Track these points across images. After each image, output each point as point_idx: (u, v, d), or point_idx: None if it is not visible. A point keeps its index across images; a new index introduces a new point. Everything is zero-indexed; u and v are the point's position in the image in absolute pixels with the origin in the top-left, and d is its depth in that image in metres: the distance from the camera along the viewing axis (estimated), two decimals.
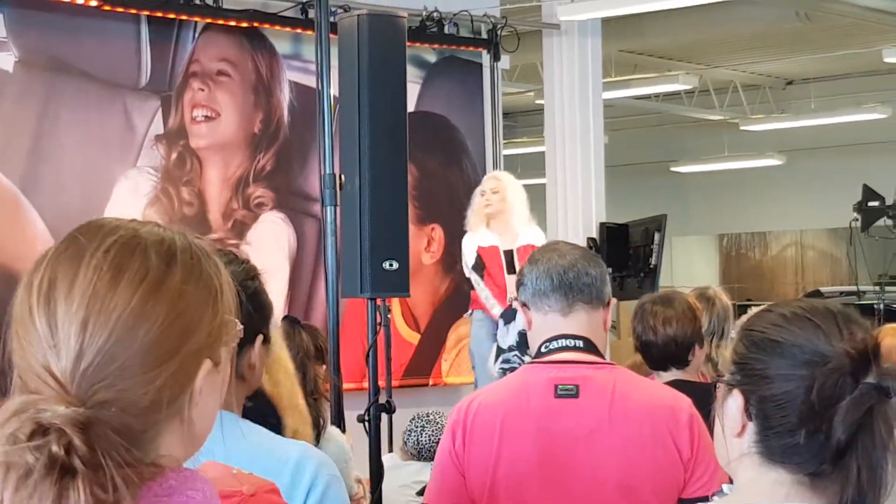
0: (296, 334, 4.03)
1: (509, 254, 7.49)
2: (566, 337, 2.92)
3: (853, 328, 1.74)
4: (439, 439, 5.76)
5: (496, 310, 7.37)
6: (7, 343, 1.35)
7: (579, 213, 9.67)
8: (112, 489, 1.25)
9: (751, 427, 1.76)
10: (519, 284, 3.03)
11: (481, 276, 7.48)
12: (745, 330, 1.82)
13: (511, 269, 7.41)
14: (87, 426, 1.26)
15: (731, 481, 1.84)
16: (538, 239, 7.48)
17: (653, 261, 9.56)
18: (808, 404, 1.69)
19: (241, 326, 1.46)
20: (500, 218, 7.55)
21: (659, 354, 4.03)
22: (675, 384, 3.75)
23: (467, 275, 7.62)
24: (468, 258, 7.60)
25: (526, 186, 14.34)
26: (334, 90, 5.53)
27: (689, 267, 19.07)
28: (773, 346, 1.75)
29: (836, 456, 1.67)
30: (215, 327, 1.38)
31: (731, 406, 1.78)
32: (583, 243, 8.76)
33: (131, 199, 7.72)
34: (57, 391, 1.28)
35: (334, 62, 5.52)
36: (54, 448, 1.23)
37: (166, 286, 1.33)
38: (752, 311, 1.90)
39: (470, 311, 7.74)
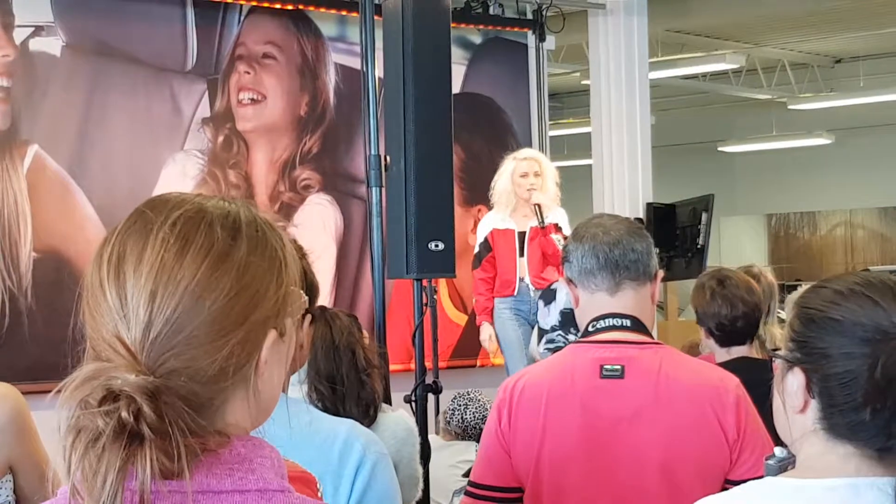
0: (334, 318, 4.04)
1: (522, 235, 7.42)
2: (613, 316, 2.90)
3: None
4: (484, 416, 5.80)
5: (479, 318, 7.47)
6: (78, 314, 1.39)
7: (626, 194, 9.63)
8: (177, 457, 1.28)
9: (813, 404, 1.75)
10: (564, 261, 3.01)
11: (478, 267, 7.43)
12: (800, 307, 1.80)
13: (522, 252, 7.41)
14: (156, 394, 1.29)
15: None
16: (562, 220, 7.44)
17: (700, 241, 9.51)
18: (873, 382, 1.68)
19: (306, 297, 1.49)
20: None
21: (735, 330, 4.04)
22: (742, 361, 3.76)
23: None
24: (478, 242, 7.53)
25: (573, 167, 14.33)
26: (379, 72, 5.53)
27: (737, 247, 18.97)
28: (832, 324, 1.74)
29: None
30: (280, 298, 1.40)
31: (792, 383, 1.77)
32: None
33: (178, 182, 7.76)
34: (127, 360, 1.31)
35: (379, 44, 5.52)
36: (124, 414, 1.26)
37: (232, 257, 1.36)
38: (804, 287, 1.88)
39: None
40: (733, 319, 4.04)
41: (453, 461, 5.72)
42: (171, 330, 1.32)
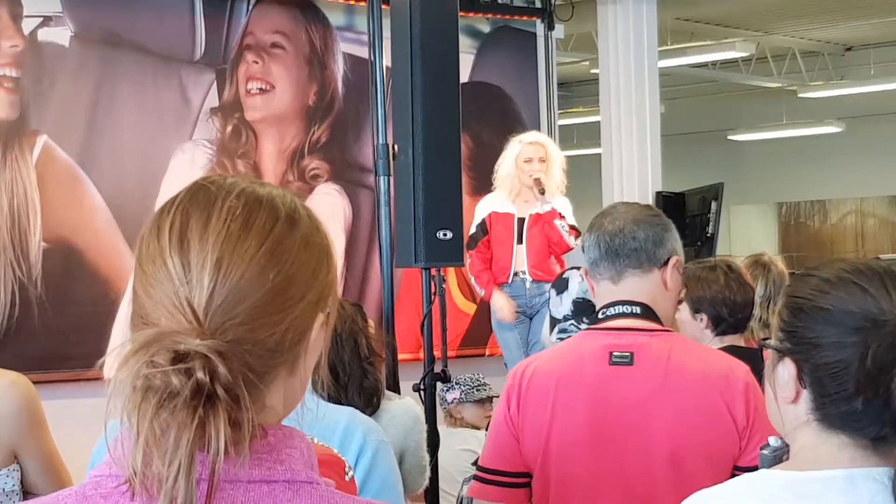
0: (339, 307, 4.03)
1: (521, 222, 7.31)
2: (622, 303, 2.90)
3: None
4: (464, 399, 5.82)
5: (477, 288, 7.36)
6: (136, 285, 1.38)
7: (635, 183, 9.61)
8: (246, 425, 1.28)
9: (805, 394, 1.74)
10: (583, 251, 3.03)
11: (473, 249, 7.27)
12: (789, 296, 1.79)
13: (521, 239, 7.30)
14: (227, 357, 1.29)
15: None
16: (565, 209, 7.39)
17: (710, 230, 9.51)
18: (864, 371, 1.67)
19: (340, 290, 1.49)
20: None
21: (745, 317, 4.02)
22: (730, 350, 3.74)
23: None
24: (474, 223, 7.36)
25: (582, 156, 14.30)
26: (387, 61, 5.52)
27: (747, 236, 18.94)
28: (821, 313, 1.72)
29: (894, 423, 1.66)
30: (328, 283, 1.42)
31: (783, 373, 1.76)
32: None
33: (187, 171, 7.76)
34: (192, 324, 1.30)
35: (387, 33, 5.51)
36: (200, 374, 1.25)
37: (293, 235, 1.38)
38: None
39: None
40: (745, 306, 4.02)
41: (457, 448, 5.72)
42: (236, 298, 1.32)
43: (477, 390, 5.98)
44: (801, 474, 1.71)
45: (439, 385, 5.71)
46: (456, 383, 5.99)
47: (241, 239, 1.34)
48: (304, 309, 1.37)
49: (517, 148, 7.37)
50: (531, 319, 7.38)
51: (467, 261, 7.19)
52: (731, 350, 3.71)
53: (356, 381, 3.89)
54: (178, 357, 1.26)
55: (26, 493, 2.81)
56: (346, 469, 1.76)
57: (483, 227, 7.30)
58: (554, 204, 7.28)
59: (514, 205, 7.32)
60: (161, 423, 1.24)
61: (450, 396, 5.99)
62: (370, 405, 3.92)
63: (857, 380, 1.67)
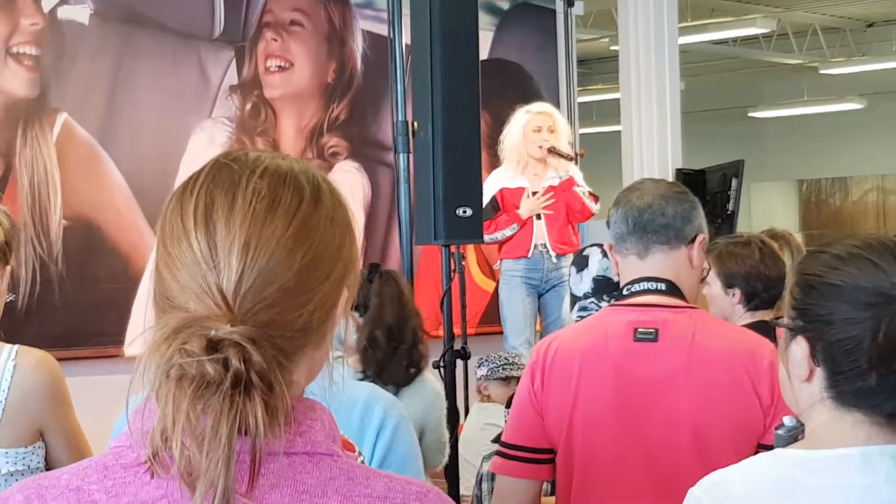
0: (399, 278, 4.04)
1: (535, 195, 7.19)
2: (648, 279, 2.89)
3: None
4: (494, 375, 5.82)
5: (508, 232, 7.10)
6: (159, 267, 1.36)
7: (655, 160, 9.57)
8: (280, 409, 1.28)
9: (819, 372, 1.72)
10: (608, 225, 3.02)
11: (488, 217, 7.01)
12: (800, 273, 1.77)
13: (539, 214, 7.19)
14: (259, 343, 1.28)
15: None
16: (578, 175, 7.31)
17: (730, 207, 9.45)
18: (876, 347, 1.65)
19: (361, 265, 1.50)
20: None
21: (778, 293, 4.00)
22: (759, 325, 3.72)
23: None
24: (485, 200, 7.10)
25: (602, 133, 14.24)
26: (406, 38, 5.50)
27: (768, 213, 18.87)
28: (832, 289, 1.71)
29: None
30: (352, 258, 1.41)
31: (796, 352, 1.74)
32: None
33: (206, 149, 7.75)
34: (221, 309, 1.29)
35: (406, 10, 5.49)
36: (235, 362, 1.25)
37: (319, 212, 1.37)
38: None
39: (498, 262, 7.41)
40: (778, 281, 3.99)
41: (483, 423, 5.73)
42: (265, 281, 1.31)
43: (502, 369, 5.98)
44: (816, 453, 1.70)
45: (474, 360, 5.74)
46: (486, 359, 6.01)
47: (267, 220, 1.32)
48: (331, 287, 1.36)
49: (525, 118, 7.25)
50: (540, 297, 7.30)
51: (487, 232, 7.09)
52: (761, 325, 3.70)
53: (407, 349, 3.93)
54: (212, 345, 1.25)
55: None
56: (357, 454, 1.75)
57: (494, 204, 7.14)
58: (571, 171, 7.23)
59: (524, 178, 7.21)
60: (197, 412, 1.23)
61: (479, 372, 6.02)
62: (406, 376, 3.95)
63: (869, 356, 1.66)
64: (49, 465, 2.80)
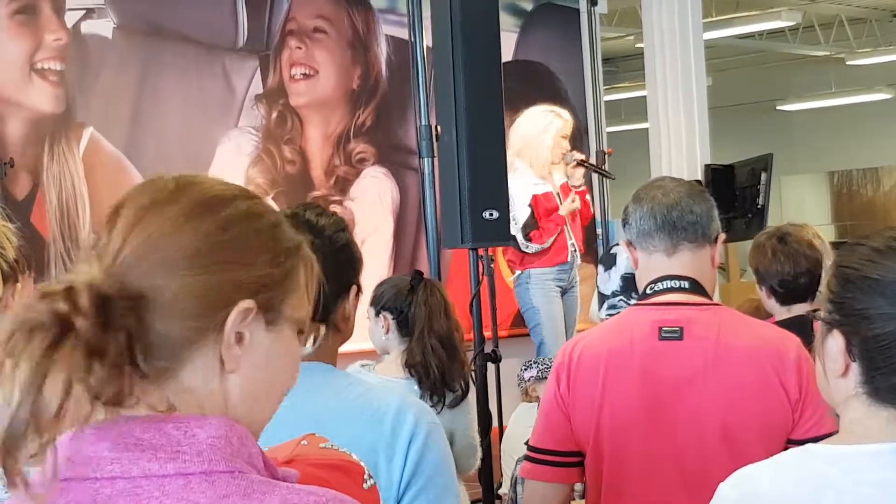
0: (442, 289, 4.03)
1: (557, 197, 7.15)
2: (671, 278, 2.88)
3: None
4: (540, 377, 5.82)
5: (547, 243, 7.01)
6: None
7: (683, 156, 9.53)
8: (108, 380, 1.24)
9: (854, 367, 1.69)
10: (624, 223, 2.99)
11: (528, 238, 6.99)
12: (837, 266, 1.74)
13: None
14: (106, 295, 1.26)
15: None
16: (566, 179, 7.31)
17: (760, 201, 9.39)
18: None
19: (311, 316, 1.45)
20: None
21: (798, 287, 3.98)
22: (797, 320, 3.71)
23: (512, 231, 6.57)
24: (519, 212, 6.90)
25: (631, 131, 14.20)
26: (428, 41, 5.50)
27: (800, 206, 18.79)
28: (869, 283, 1.67)
29: None
30: (272, 280, 1.37)
31: (832, 346, 1.71)
32: None
33: (234, 159, 7.78)
34: (91, 266, 1.30)
35: (427, 13, 5.49)
36: (60, 304, 1.24)
37: (227, 211, 1.36)
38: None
39: (515, 274, 7.26)
40: (796, 276, 3.97)
41: (525, 426, 5.73)
42: (146, 249, 1.31)
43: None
44: (848, 448, 1.68)
45: (518, 365, 5.75)
46: (534, 362, 6.03)
47: (167, 204, 1.34)
48: (222, 282, 1.32)
49: (558, 122, 7.20)
50: (562, 296, 7.28)
51: (528, 245, 7.04)
52: (798, 321, 3.68)
53: (458, 361, 3.93)
54: (49, 294, 1.25)
55: None
56: (366, 476, 1.72)
57: (533, 217, 7.03)
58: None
59: (545, 181, 7.14)
60: (10, 351, 1.22)
61: (527, 375, 6.03)
62: (464, 392, 3.96)
63: None
64: None
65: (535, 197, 7.08)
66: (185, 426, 1.29)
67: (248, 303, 1.34)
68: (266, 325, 1.36)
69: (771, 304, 4.07)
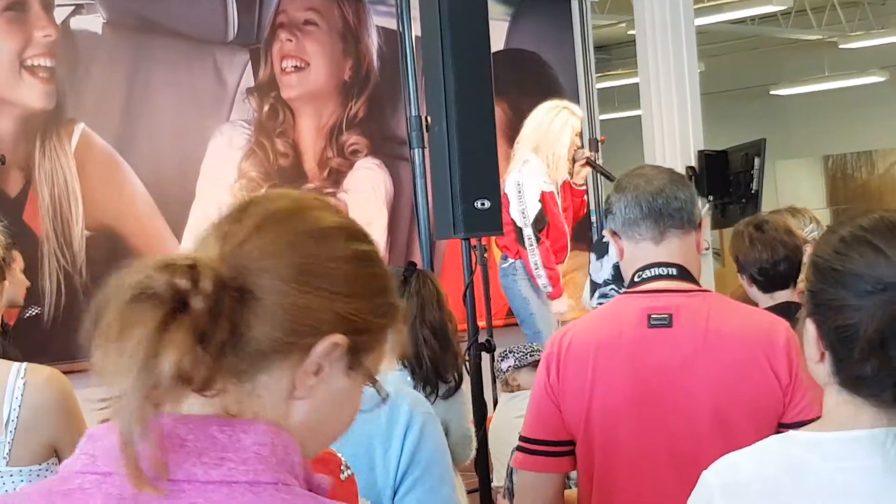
0: (423, 283, 4.02)
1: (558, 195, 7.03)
2: (659, 265, 2.88)
3: None
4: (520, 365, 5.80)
5: (543, 280, 6.81)
6: None
7: (677, 143, 9.53)
8: (205, 363, 1.24)
9: (828, 355, 1.70)
10: (608, 213, 2.99)
11: (538, 237, 6.79)
12: (813, 254, 1.74)
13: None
14: (225, 283, 1.27)
15: None
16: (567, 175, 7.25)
17: (754, 186, 9.40)
18: (868, 337, 1.61)
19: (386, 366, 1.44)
20: None
21: (777, 275, 3.98)
22: (786, 306, 3.71)
23: (519, 223, 6.68)
24: (531, 206, 6.73)
25: (623, 118, 14.18)
26: (417, 32, 5.49)
27: (795, 190, 18.77)
28: (834, 275, 1.67)
29: None
30: (369, 327, 1.37)
31: (809, 333, 1.72)
32: (682, 172, 8.53)
33: (226, 153, 7.78)
34: (214, 248, 1.31)
35: (416, 3, 5.48)
36: (180, 279, 1.24)
37: (354, 246, 1.37)
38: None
39: (508, 262, 7.01)
40: (775, 263, 3.97)
41: (513, 417, 5.71)
42: (268, 249, 1.31)
43: (530, 355, 5.97)
44: (826, 435, 1.68)
45: (495, 356, 5.70)
46: (510, 352, 5.98)
47: (299, 216, 1.35)
48: (320, 308, 1.32)
49: (574, 121, 7.04)
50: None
51: (534, 245, 6.82)
52: (785, 306, 3.68)
53: (451, 352, 3.93)
54: (171, 266, 1.25)
55: None
56: (343, 467, 1.72)
57: (544, 213, 6.83)
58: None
59: (553, 180, 6.99)
60: (126, 315, 1.21)
61: (504, 365, 5.99)
62: (454, 381, 3.95)
63: (861, 347, 1.62)
64: None
65: (543, 193, 6.90)
66: (230, 430, 1.27)
67: (340, 338, 1.33)
68: (346, 367, 1.36)
69: (753, 291, 4.06)
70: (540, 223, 6.82)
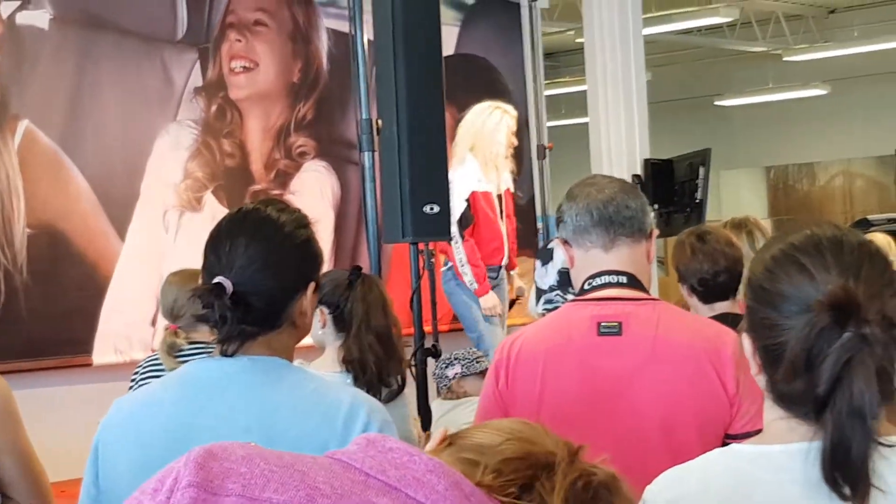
0: (369, 288, 3.99)
1: (499, 199, 7.09)
2: (609, 273, 2.88)
3: (843, 261, 1.65)
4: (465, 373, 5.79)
5: (469, 277, 6.89)
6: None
7: (623, 151, 9.57)
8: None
9: (763, 371, 1.72)
10: (559, 221, 3.00)
11: (462, 234, 6.84)
12: (749, 270, 1.76)
13: (501, 216, 7.08)
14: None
15: None
16: (511, 184, 7.27)
17: (698, 195, 9.46)
18: (795, 357, 1.62)
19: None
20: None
21: (717, 286, 3.99)
22: (725, 317, 3.72)
23: None
24: (457, 205, 6.66)
25: (571, 126, 14.24)
26: (369, 35, 5.48)
27: (737, 200, 18.93)
28: (764, 294, 1.68)
29: (820, 407, 1.60)
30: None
31: (747, 348, 1.74)
32: (628, 180, 8.55)
33: (172, 153, 7.72)
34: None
35: (368, 7, 5.47)
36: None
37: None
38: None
39: (448, 266, 7.09)
40: (715, 275, 3.98)
41: (462, 423, 5.69)
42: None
43: (477, 362, 5.95)
44: (766, 448, 1.70)
45: (437, 363, 5.68)
46: (455, 359, 5.95)
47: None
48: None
49: (508, 120, 7.13)
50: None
51: (459, 242, 6.91)
52: (724, 317, 3.70)
53: (396, 356, 3.91)
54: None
55: (2, 493, 2.74)
56: None
57: (469, 212, 6.94)
58: (508, 180, 7.17)
59: (488, 180, 7.05)
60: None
61: (450, 372, 5.95)
62: (397, 385, 3.94)
63: (785, 366, 1.63)
64: (2, 486, 2.72)
65: (473, 193, 6.99)
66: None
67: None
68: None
69: (693, 302, 4.07)
70: (465, 221, 6.88)
